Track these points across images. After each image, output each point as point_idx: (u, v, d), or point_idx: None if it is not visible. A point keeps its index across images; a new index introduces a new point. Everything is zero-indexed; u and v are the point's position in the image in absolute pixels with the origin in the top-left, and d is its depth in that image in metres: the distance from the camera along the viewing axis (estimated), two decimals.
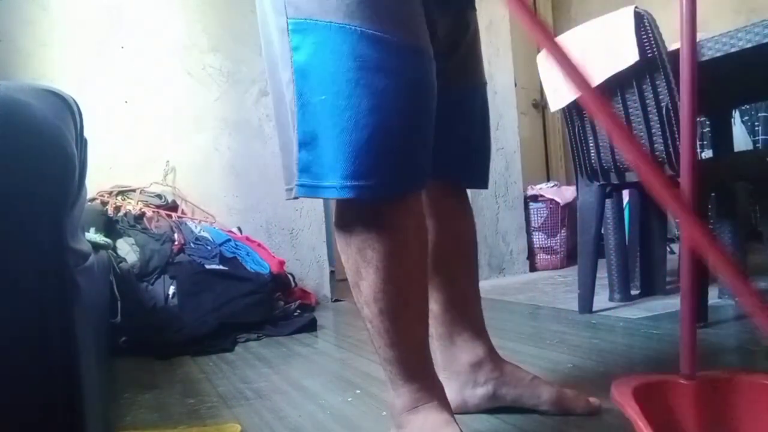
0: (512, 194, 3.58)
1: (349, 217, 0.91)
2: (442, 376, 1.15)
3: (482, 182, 1.19)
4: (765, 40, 1.56)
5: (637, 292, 2.31)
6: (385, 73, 0.83)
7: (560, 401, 1.13)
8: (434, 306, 1.13)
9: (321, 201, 2.99)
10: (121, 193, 2.52)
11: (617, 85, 1.81)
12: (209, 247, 2.33)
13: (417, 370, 0.94)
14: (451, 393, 1.14)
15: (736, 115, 3.22)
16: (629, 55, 1.73)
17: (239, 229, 2.72)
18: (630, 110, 1.83)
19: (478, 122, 1.15)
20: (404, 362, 0.93)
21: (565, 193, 3.63)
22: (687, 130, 0.88)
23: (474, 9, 1.13)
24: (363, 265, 0.89)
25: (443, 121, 0.99)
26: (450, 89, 1.02)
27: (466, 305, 1.16)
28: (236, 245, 2.45)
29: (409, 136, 0.86)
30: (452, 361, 1.16)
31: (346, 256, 0.92)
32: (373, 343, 0.94)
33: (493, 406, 1.15)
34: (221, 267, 2.28)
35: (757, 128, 3.24)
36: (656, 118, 1.77)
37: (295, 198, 0.92)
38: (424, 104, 0.88)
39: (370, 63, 0.83)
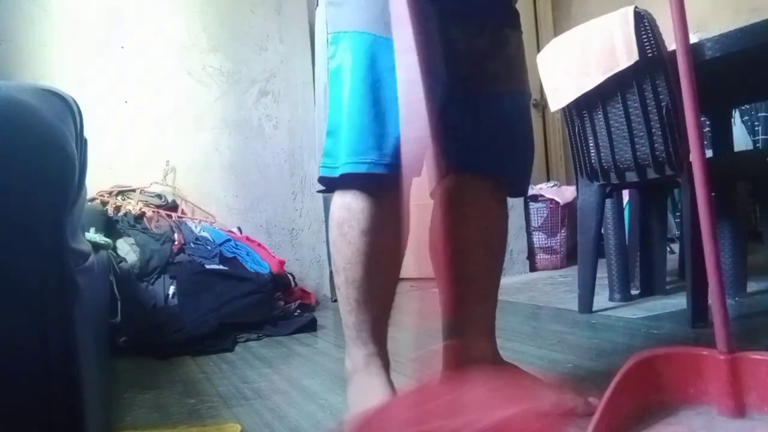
0: None
1: (337, 199, 1.05)
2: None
3: (516, 187, 1.22)
4: (765, 40, 1.56)
5: (637, 292, 2.31)
6: (393, 72, 0.95)
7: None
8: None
9: (321, 201, 3.01)
10: (121, 193, 2.52)
11: (617, 85, 1.81)
12: (209, 247, 2.34)
13: (369, 339, 1.05)
14: None
15: (736, 115, 3.22)
16: (629, 55, 1.73)
17: (239, 229, 2.72)
18: (630, 110, 1.83)
19: (511, 128, 1.18)
20: (359, 329, 1.05)
21: (565, 193, 3.62)
22: (693, 127, 0.88)
23: (514, 28, 1.19)
24: (339, 239, 1.03)
25: (475, 123, 1.13)
26: (489, 95, 1.14)
27: (479, 303, 1.17)
28: (236, 245, 2.45)
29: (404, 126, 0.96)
30: None
31: (330, 231, 1.07)
32: (340, 308, 1.07)
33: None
34: (221, 267, 2.28)
35: (757, 128, 3.24)
36: (656, 118, 1.77)
37: (320, 185, 1.07)
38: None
39: (381, 63, 0.98)
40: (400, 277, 1.11)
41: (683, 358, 0.91)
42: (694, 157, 0.88)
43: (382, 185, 0.99)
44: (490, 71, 1.14)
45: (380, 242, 1.02)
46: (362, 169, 0.97)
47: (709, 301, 1.37)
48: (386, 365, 1.07)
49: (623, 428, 0.87)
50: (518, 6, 1.29)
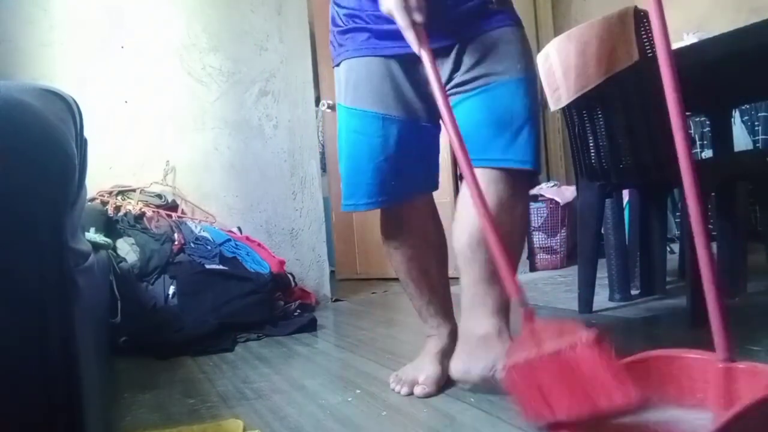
0: None
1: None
2: (458, 347, 1.28)
3: (522, 171, 1.27)
4: (765, 40, 1.56)
5: (637, 292, 2.31)
6: (358, 134, 1.32)
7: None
8: (465, 278, 1.28)
9: (321, 201, 3.03)
10: (121, 193, 2.52)
11: (617, 85, 1.81)
12: (209, 247, 2.33)
13: (427, 317, 1.45)
14: (459, 362, 1.24)
15: (736, 115, 3.22)
16: (629, 55, 1.73)
17: (239, 229, 2.72)
18: (630, 110, 1.83)
19: (495, 117, 1.26)
20: (419, 312, 1.46)
21: (565, 193, 3.62)
22: (679, 131, 0.88)
23: (489, 30, 1.28)
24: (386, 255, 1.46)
25: (471, 116, 1.27)
26: (463, 99, 1.29)
27: (492, 285, 1.23)
28: (236, 245, 2.45)
29: (373, 173, 1.30)
30: (467, 330, 1.26)
31: None
32: None
33: (496, 379, 1.16)
34: (221, 267, 2.28)
35: (757, 128, 3.24)
36: (656, 118, 1.76)
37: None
38: (386, 153, 1.29)
39: (351, 127, 1.34)
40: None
41: (683, 361, 0.91)
42: (683, 167, 0.88)
43: (389, 215, 1.38)
44: (457, 81, 1.28)
45: (399, 257, 1.41)
46: (348, 209, 1.35)
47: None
48: (446, 331, 1.42)
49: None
50: (518, 6, 1.30)
